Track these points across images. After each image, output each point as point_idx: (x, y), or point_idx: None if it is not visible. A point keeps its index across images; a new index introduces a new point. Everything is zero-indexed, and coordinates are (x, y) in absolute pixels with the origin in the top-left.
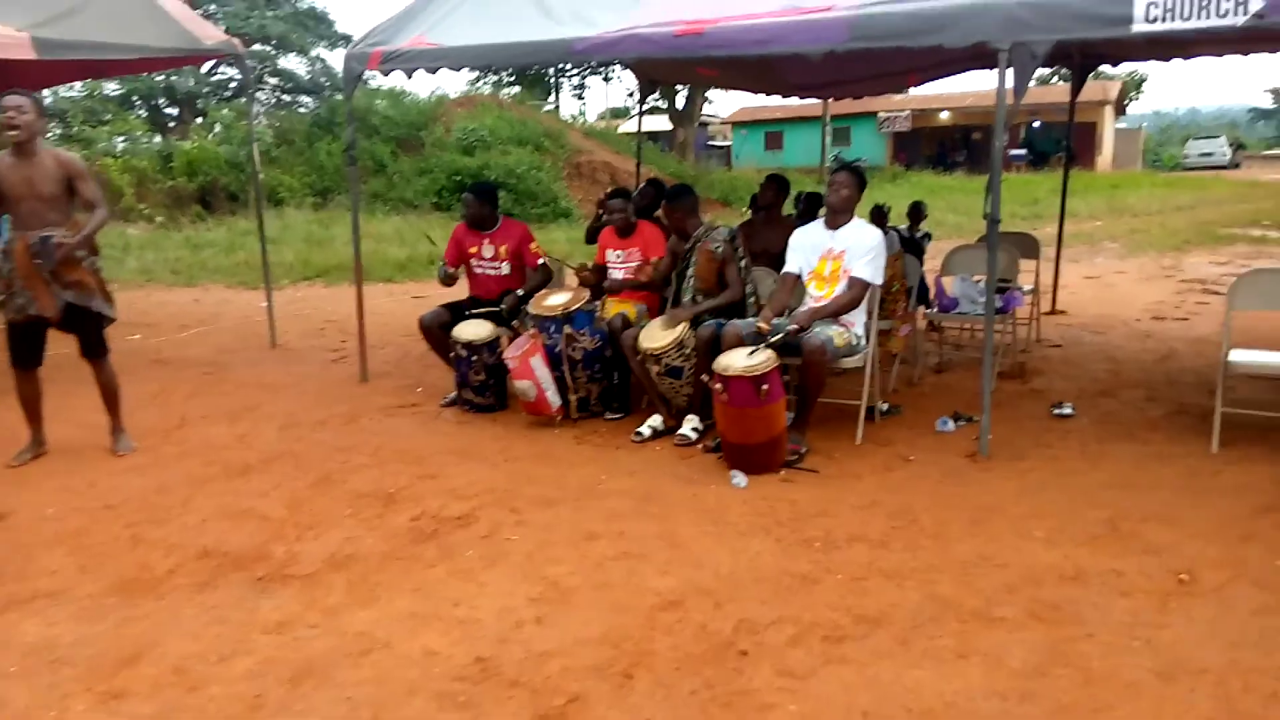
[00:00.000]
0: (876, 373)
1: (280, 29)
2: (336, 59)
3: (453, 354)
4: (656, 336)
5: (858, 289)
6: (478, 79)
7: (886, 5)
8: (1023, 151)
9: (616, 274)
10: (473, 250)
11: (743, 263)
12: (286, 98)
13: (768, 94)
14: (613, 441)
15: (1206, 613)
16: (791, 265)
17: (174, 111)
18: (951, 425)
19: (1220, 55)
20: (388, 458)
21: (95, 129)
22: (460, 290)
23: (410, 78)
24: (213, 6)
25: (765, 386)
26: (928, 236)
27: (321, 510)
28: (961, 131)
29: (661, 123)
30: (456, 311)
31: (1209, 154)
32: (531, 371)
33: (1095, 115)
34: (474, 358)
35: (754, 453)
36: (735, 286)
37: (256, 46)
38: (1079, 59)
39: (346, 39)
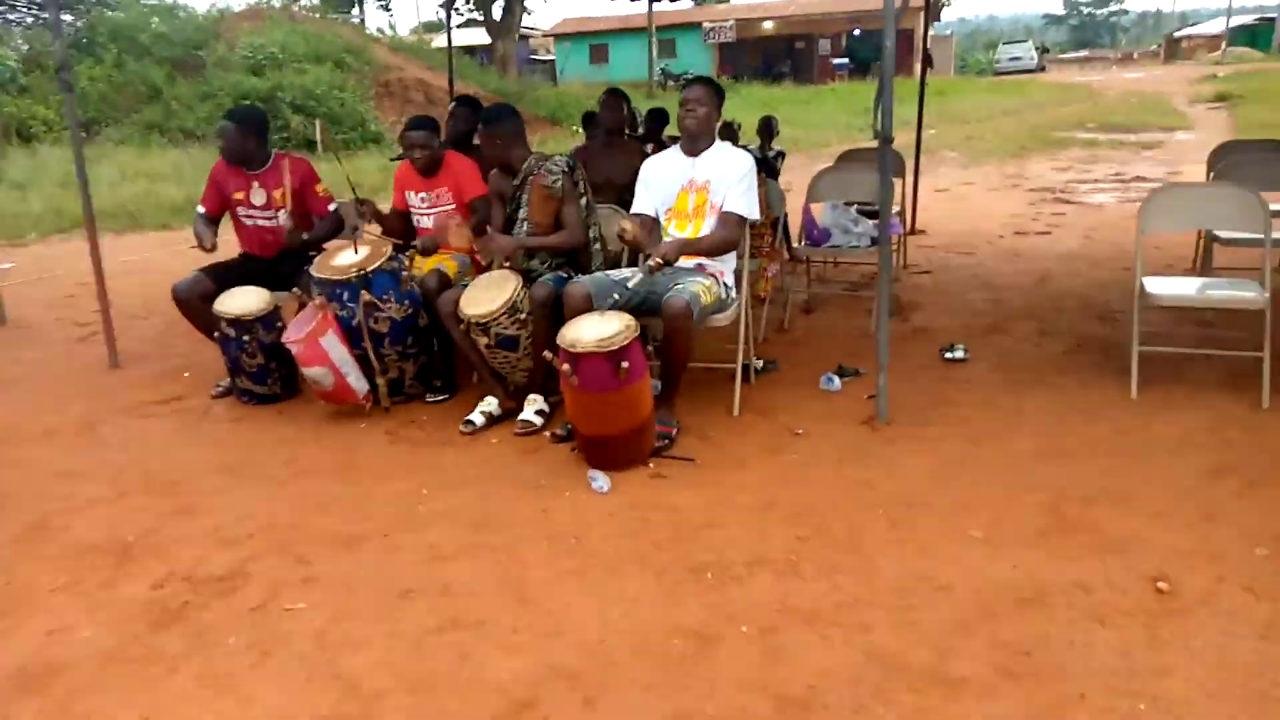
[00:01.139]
0: (750, 327)
1: None
2: None
3: (218, 333)
4: (480, 299)
5: (733, 226)
6: None
7: None
8: (845, 60)
9: (424, 222)
10: (238, 196)
11: (584, 200)
12: (44, 15)
13: None
14: (437, 435)
15: (1207, 640)
16: (643, 204)
17: None
18: (837, 383)
19: None
20: (131, 484)
21: None
22: (229, 249)
23: None
24: None
25: (625, 364)
26: (781, 155)
27: (22, 582)
28: (785, 41)
29: (479, 36)
30: (223, 276)
31: (1018, 58)
32: (324, 354)
33: (913, 22)
34: (245, 337)
35: (616, 446)
36: (574, 228)
37: None
38: None
39: None
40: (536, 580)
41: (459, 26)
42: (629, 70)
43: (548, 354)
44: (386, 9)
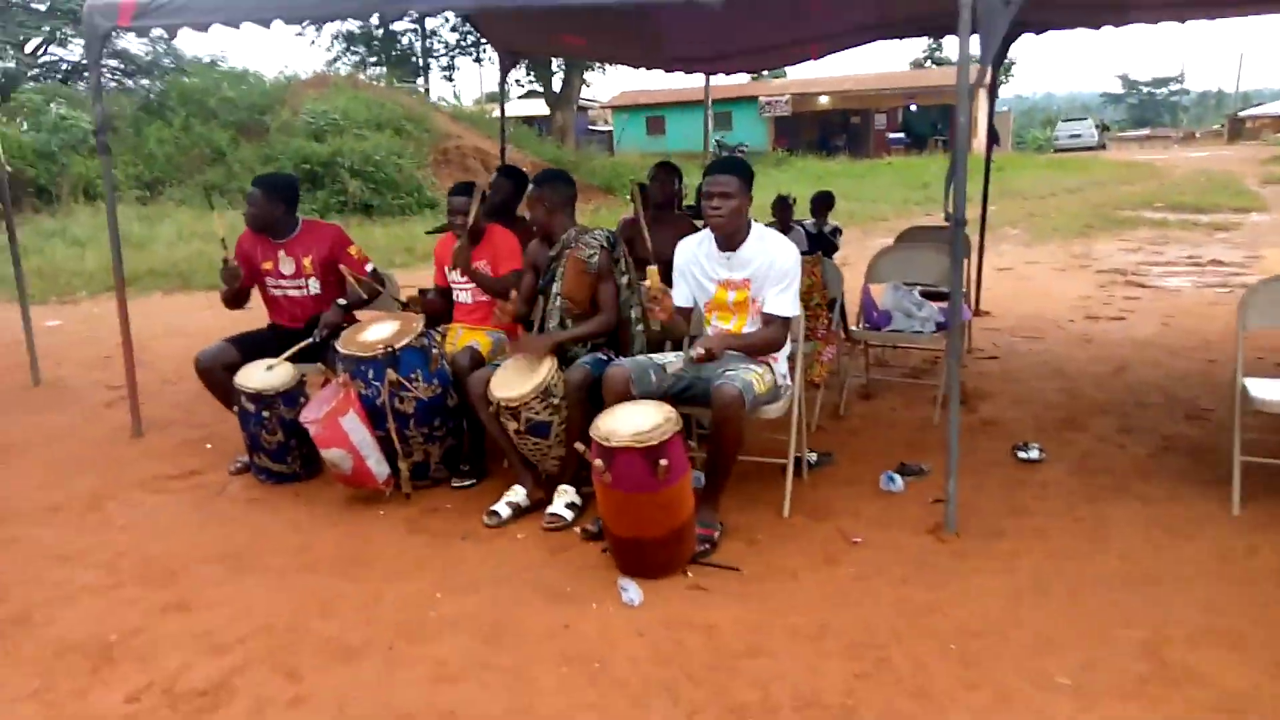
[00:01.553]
0: (803, 417)
1: None
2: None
3: (238, 407)
4: (512, 382)
5: (778, 329)
6: (335, 59)
7: None
8: (901, 135)
9: (463, 298)
10: (266, 266)
11: (624, 279)
12: (128, 82)
13: (648, 68)
14: (460, 524)
15: None
16: (681, 295)
17: None
18: (900, 483)
19: (1155, 22)
20: (127, 571)
21: None
22: (258, 317)
23: (174, 36)
24: None
25: (664, 462)
26: (838, 231)
27: None
28: (840, 115)
29: (538, 107)
30: (250, 346)
31: (1078, 135)
32: (344, 436)
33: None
34: (265, 413)
35: (652, 551)
36: (609, 309)
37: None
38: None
39: None
40: (549, 712)
41: (520, 98)
42: (685, 141)
43: (579, 446)
44: (450, 79)
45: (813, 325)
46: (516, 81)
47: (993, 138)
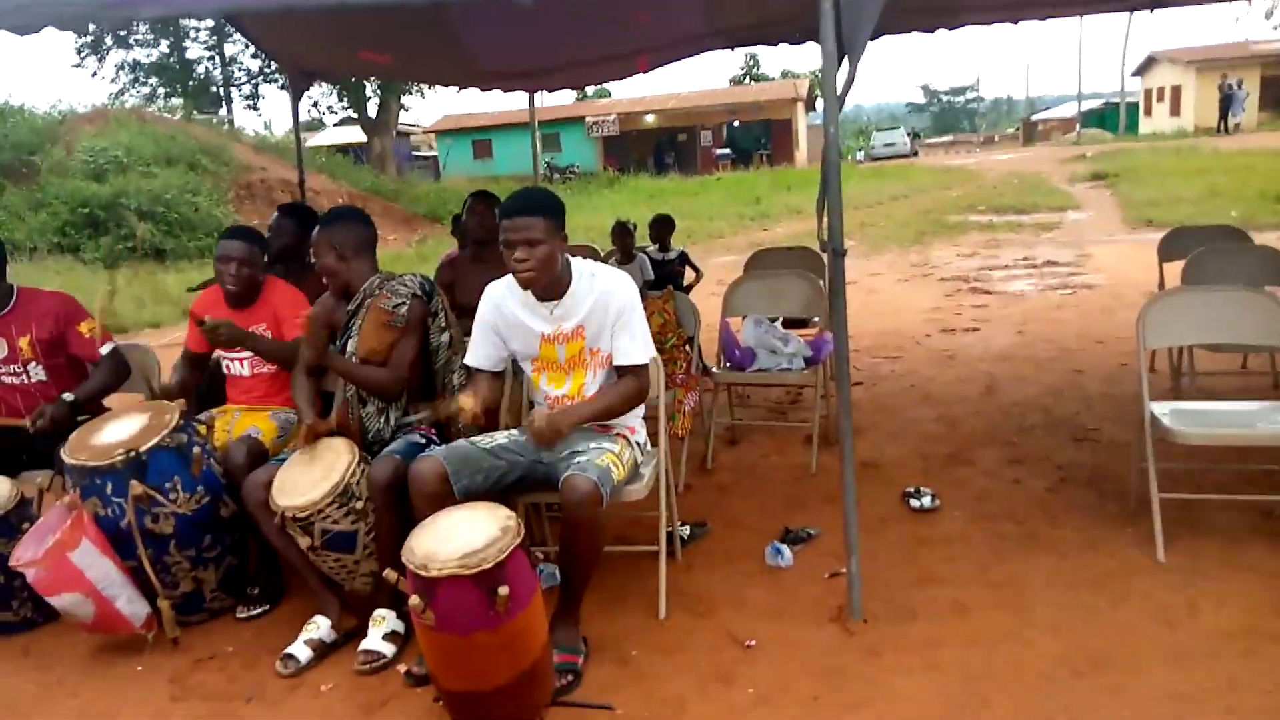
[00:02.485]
0: (673, 489)
1: None
2: None
3: None
4: (299, 484)
5: (634, 380)
6: (120, 92)
7: None
8: (727, 151)
9: (236, 369)
10: None
11: (445, 337)
12: None
13: (462, 87)
14: (245, 678)
15: None
16: (482, 353)
17: None
18: (787, 555)
19: (989, 23)
20: None
21: None
22: None
23: None
24: None
25: (504, 590)
26: (684, 257)
27: None
28: (668, 133)
29: (354, 134)
30: None
31: (892, 144)
32: (77, 574)
33: (789, 112)
34: None
35: (496, 703)
36: (396, 368)
37: None
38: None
39: None
40: None
41: (335, 125)
42: (514, 164)
43: (390, 574)
44: (254, 108)
45: (671, 370)
46: (329, 108)
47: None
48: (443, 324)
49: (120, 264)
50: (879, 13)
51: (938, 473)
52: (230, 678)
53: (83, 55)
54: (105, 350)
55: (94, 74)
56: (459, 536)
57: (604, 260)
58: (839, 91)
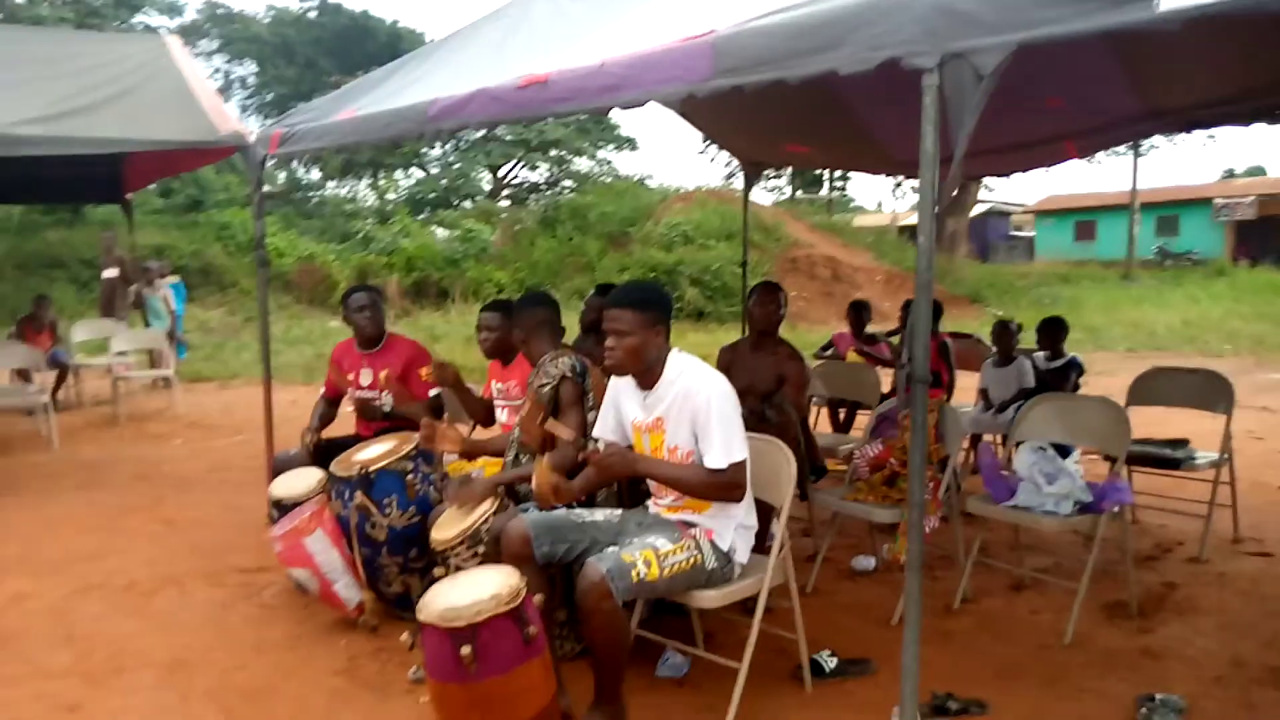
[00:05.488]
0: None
1: (567, 134)
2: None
3: (268, 515)
4: (450, 523)
5: (707, 481)
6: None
7: (759, 19)
8: None
9: (501, 416)
10: (350, 376)
11: (591, 415)
12: (528, 199)
13: (872, 173)
14: (392, 671)
15: None
16: (606, 426)
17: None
18: None
19: None
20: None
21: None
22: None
23: (303, 164)
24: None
25: (466, 649)
26: (1076, 365)
27: None
28: None
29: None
30: (324, 454)
31: None
32: (307, 556)
33: None
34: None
35: None
36: (561, 447)
37: (552, 152)
38: None
39: (630, 141)
40: None
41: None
42: (1117, 247)
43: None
44: (841, 190)
45: (905, 486)
46: (912, 188)
47: None
48: (592, 403)
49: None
50: None
51: (1239, 690)
52: (395, 666)
53: (706, 142)
54: (432, 394)
55: (711, 159)
56: (458, 592)
57: (987, 359)
58: None
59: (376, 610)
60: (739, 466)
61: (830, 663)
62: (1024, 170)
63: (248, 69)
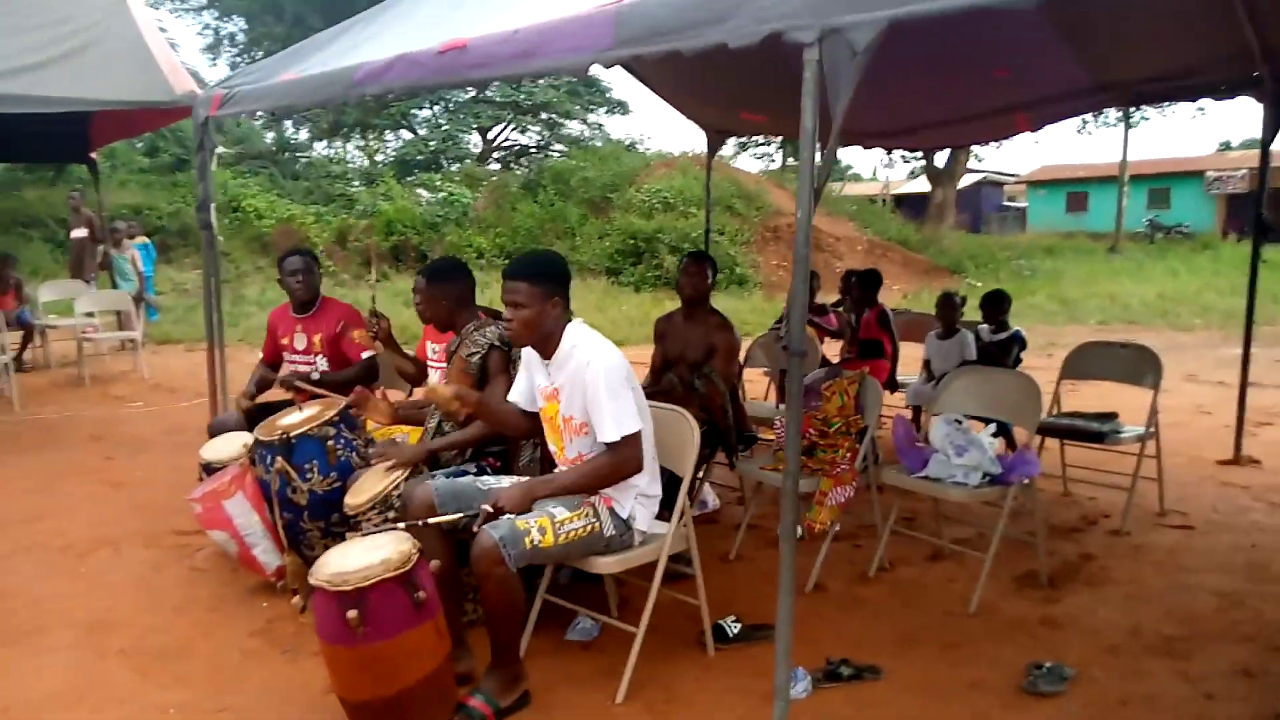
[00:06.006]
0: (699, 576)
1: (557, 97)
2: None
3: (199, 477)
4: (364, 487)
5: (604, 458)
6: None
7: None
8: None
9: (432, 377)
10: (284, 341)
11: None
12: (514, 164)
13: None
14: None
15: None
16: (518, 393)
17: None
18: (802, 687)
19: None
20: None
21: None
22: None
23: (245, 121)
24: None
25: (352, 613)
26: (1019, 338)
27: None
28: None
29: (920, 183)
30: (256, 418)
31: None
32: (226, 519)
33: None
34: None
35: (358, 716)
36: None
37: (543, 115)
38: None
39: (622, 105)
40: None
41: (909, 177)
42: (1109, 219)
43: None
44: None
45: (830, 458)
46: (902, 158)
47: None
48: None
49: (646, 289)
50: None
51: (1130, 658)
52: (296, 632)
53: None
54: (364, 356)
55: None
56: (351, 557)
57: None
58: None
59: (299, 574)
60: (632, 438)
61: (734, 628)
62: (979, 142)
63: (237, 25)
